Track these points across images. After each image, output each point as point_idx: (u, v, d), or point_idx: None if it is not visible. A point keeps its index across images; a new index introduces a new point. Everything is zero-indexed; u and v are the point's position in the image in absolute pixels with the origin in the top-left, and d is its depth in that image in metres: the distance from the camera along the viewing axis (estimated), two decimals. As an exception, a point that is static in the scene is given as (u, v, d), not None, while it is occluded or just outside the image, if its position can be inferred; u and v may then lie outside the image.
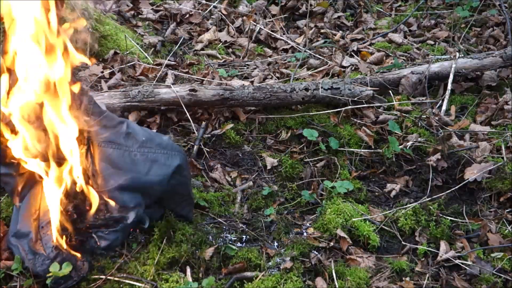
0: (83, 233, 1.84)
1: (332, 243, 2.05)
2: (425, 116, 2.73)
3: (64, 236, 1.78)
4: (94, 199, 1.81)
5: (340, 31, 3.84)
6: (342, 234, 2.06)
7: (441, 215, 2.22)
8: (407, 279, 1.93)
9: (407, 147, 2.53)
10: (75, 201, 1.81)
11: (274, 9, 3.93)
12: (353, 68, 3.26)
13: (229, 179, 2.41)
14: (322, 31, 3.80)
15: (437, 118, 2.71)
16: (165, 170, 1.88)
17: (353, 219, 2.12)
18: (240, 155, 2.53)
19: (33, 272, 1.74)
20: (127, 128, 1.88)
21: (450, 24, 3.77)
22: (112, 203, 1.83)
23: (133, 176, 1.84)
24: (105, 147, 1.82)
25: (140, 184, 1.85)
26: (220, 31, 3.64)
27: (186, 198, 2.02)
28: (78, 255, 1.79)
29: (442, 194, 2.32)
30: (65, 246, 1.77)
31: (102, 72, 2.89)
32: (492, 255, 2.03)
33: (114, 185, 1.82)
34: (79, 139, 1.73)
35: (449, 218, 2.22)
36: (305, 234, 2.11)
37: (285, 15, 3.94)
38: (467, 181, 2.34)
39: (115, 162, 1.82)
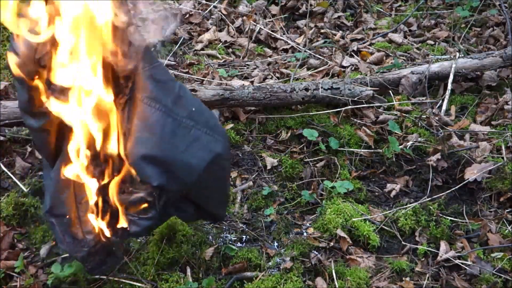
0: (114, 214, 1.63)
1: (332, 243, 2.05)
2: (425, 116, 2.73)
3: (99, 213, 1.61)
4: (122, 164, 1.56)
5: (340, 31, 3.84)
6: (342, 234, 2.06)
7: (441, 215, 2.22)
8: (407, 279, 1.93)
9: (407, 147, 2.53)
10: (103, 165, 1.57)
11: (274, 9, 3.93)
12: (353, 68, 3.26)
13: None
14: (322, 31, 3.80)
15: (437, 118, 2.71)
16: (204, 154, 1.56)
17: (353, 219, 2.12)
18: (240, 155, 2.53)
19: (70, 255, 1.67)
20: (179, 90, 1.56)
21: (450, 24, 3.77)
22: (133, 172, 1.54)
23: (166, 148, 1.51)
24: (148, 104, 1.49)
25: (170, 160, 1.52)
26: (220, 31, 3.64)
27: (221, 194, 1.75)
28: (112, 237, 1.64)
29: (442, 194, 2.32)
30: (106, 232, 1.62)
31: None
32: (492, 255, 2.03)
33: (141, 151, 1.49)
34: (121, 87, 1.48)
35: (449, 218, 2.22)
36: (305, 234, 2.11)
37: (285, 15, 3.94)
38: (467, 181, 2.34)
39: (153, 126, 1.49)
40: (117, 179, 1.60)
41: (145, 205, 1.60)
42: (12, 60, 1.43)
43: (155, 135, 1.49)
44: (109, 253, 1.71)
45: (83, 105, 1.48)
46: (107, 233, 1.65)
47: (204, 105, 1.70)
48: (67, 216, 1.64)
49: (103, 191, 1.61)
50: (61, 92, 1.47)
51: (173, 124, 1.51)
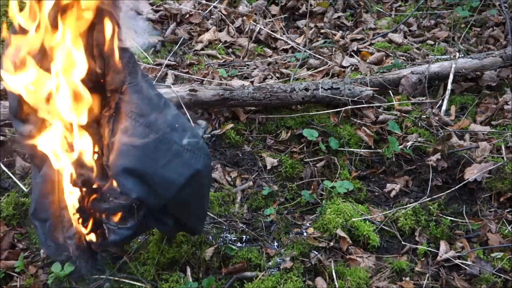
0: (94, 219, 1.68)
1: (332, 243, 2.05)
2: (425, 116, 2.73)
3: (80, 220, 1.65)
4: (104, 174, 1.61)
5: (340, 31, 3.84)
6: (342, 234, 2.06)
7: (441, 215, 2.22)
8: (407, 279, 1.93)
9: (407, 147, 2.53)
10: (85, 173, 1.61)
11: (274, 9, 3.93)
12: (353, 68, 3.26)
13: (229, 179, 2.41)
14: (322, 31, 3.80)
15: (437, 118, 2.71)
16: (184, 170, 1.58)
17: (353, 219, 2.12)
18: (240, 155, 2.53)
19: (52, 259, 1.72)
20: (164, 105, 1.59)
21: (450, 24, 3.77)
22: (114, 184, 1.59)
23: (148, 162, 1.54)
24: (133, 118, 1.52)
25: (151, 174, 1.55)
26: (220, 31, 3.64)
27: (199, 210, 1.77)
28: (92, 244, 1.70)
29: (442, 194, 2.32)
30: (85, 234, 1.67)
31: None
32: (492, 255, 2.03)
33: (123, 164, 1.53)
34: (108, 100, 1.51)
35: (449, 218, 2.22)
36: (305, 234, 2.11)
37: (285, 15, 3.93)
38: (467, 181, 2.34)
39: (135, 140, 1.53)
40: (99, 188, 1.63)
41: (124, 214, 1.63)
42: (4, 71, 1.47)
43: (137, 148, 1.53)
44: (90, 258, 1.75)
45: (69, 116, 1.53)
46: (88, 239, 1.70)
47: (188, 122, 1.74)
48: (50, 221, 1.68)
49: (85, 199, 1.65)
50: (46, 101, 1.51)
51: (156, 139, 1.54)
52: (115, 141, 1.53)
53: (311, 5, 3.98)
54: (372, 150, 2.57)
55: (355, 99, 2.74)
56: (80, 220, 1.68)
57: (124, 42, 1.49)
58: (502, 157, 2.46)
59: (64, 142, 1.58)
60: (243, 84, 2.82)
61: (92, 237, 1.71)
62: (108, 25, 1.44)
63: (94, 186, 1.64)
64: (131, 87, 1.52)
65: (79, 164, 1.60)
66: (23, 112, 1.54)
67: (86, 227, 1.69)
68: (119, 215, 1.65)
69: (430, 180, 2.41)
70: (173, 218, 1.72)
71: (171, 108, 1.63)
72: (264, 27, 3.65)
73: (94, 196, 1.65)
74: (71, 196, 1.67)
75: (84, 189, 1.64)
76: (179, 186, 1.58)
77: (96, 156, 1.60)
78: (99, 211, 1.67)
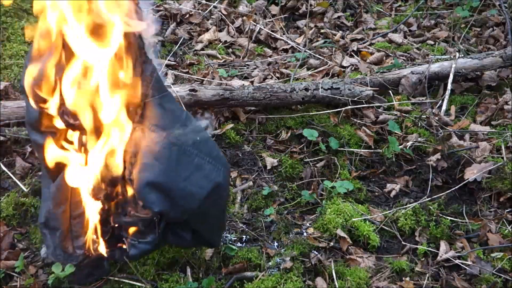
0: (114, 233, 1.70)
1: (332, 243, 2.05)
2: (425, 116, 2.73)
3: (96, 231, 1.66)
4: (128, 190, 1.61)
5: (340, 31, 3.84)
6: (342, 234, 2.06)
7: (441, 215, 2.22)
8: (407, 279, 1.93)
9: (407, 147, 2.53)
10: (108, 189, 1.61)
11: (274, 9, 3.93)
12: (353, 68, 3.26)
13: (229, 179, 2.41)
14: (322, 31, 3.80)
15: (437, 118, 2.71)
16: (206, 183, 1.60)
17: (353, 219, 2.12)
18: (240, 155, 2.53)
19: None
20: (186, 118, 1.62)
21: (450, 24, 3.77)
22: (137, 196, 1.60)
23: (171, 175, 1.55)
24: (155, 132, 1.53)
25: (173, 188, 1.57)
26: (220, 31, 3.64)
27: (218, 222, 1.80)
28: (105, 254, 1.72)
29: (442, 194, 2.32)
30: (95, 250, 1.70)
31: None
32: (492, 255, 2.03)
33: (146, 178, 1.53)
34: (130, 115, 1.50)
35: (449, 218, 2.22)
36: (305, 234, 2.11)
37: (285, 15, 3.93)
38: (467, 181, 2.34)
39: (159, 154, 1.53)
40: (120, 201, 1.64)
41: (144, 229, 1.65)
42: (28, 80, 1.46)
43: (161, 162, 1.54)
44: (96, 266, 1.76)
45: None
46: (104, 252, 1.70)
47: (208, 133, 1.76)
48: (60, 230, 1.68)
49: (106, 212, 1.65)
50: (71, 116, 1.51)
51: (178, 152, 1.56)
52: (138, 155, 1.54)
53: (311, 5, 3.98)
54: (372, 150, 2.57)
55: (355, 99, 2.74)
56: (100, 233, 1.69)
57: (147, 56, 1.50)
58: (502, 157, 2.46)
59: (85, 156, 1.58)
60: (243, 84, 2.82)
61: (110, 249, 1.72)
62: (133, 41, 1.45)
63: (116, 200, 1.66)
64: (154, 101, 1.53)
65: (101, 177, 1.60)
66: (42, 125, 1.55)
67: (106, 240, 1.71)
68: (139, 229, 1.67)
69: (430, 180, 2.41)
70: (191, 231, 1.73)
71: (192, 121, 1.66)
72: (264, 27, 3.65)
73: (115, 209, 1.67)
74: (92, 209, 1.67)
75: (105, 203, 1.65)
76: (200, 199, 1.59)
77: (119, 169, 1.59)
78: (120, 225, 1.69)
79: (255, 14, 3.79)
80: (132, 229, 1.69)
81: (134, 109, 1.52)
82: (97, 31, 1.39)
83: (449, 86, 2.96)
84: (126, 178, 1.59)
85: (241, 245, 2.03)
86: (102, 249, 1.71)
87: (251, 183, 2.37)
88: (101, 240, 1.71)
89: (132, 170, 1.56)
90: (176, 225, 1.71)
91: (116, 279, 1.82)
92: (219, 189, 1.64)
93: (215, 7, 3.80)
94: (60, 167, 1.62)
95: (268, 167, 2.46)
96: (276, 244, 2.06)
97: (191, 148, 1.58)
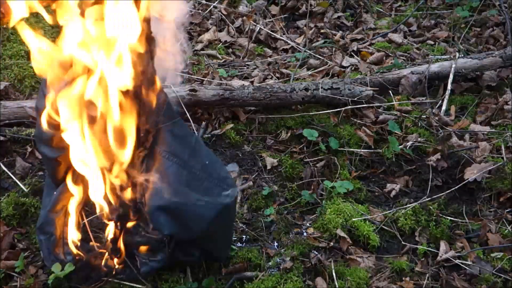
0: (127, 252, 1.77)
1: (332, 243, 2.05)
2: (425, 116, 2.73)
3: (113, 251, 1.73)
4: (137, 210, 1.68)
5: (340, 31, 3.84)
6: (342, 234, 2.06)
7: (441, 215, 2.22)
8: (407, 279, 1.93)
9: (407, 147, 2.53)
10: (120, 209, 1.66)
11: (274, 9, 3.93)
12: (353, 68, 3.26)
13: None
14: (322, 31, 3.80)
15: (437, 118, 2.72)
16: (213, 206, 1.64)
17: (353, 219, 2.12)
18: (240, 155, 2.53)
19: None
20: (195, 143, 1.67)
21: (450, 24, 3.77)
22: (148, 219, 1.67)
23: (181, 199, 1.60)
24: (166, 158, 1.59)
25: (183, 211, 1.61)
26: (220, 31, 3.64)
27: (225, 241, 1.87)
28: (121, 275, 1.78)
29: (442, 194, 2.32)
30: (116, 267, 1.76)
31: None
32: (492, 255, 2.03)
33: (156, 202, 1.59)
34: (142, 140, 1.56)
35: (449, 218, 2.22)
36: (305, 234, 2.11)
37: (285, 15, 3.94)
38: (467, 181, 2.34)
39: (170, 178, 1.59)
40: (132, 222, 1.71)
41: (154, 248, 1.74)
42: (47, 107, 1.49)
43: (171, 186, 1.59)
44: (93, 269, 1.78)
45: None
46: (117, 268, 1.77)
47: (215, 156, 1.83)
48: (54, 236, 1.73)
49: (118, 232, 1.71)
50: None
51: (188, 176, 1.61)
52: (149, 180, 1.59)
53: (311, 5, 3.98)
54: (372, 150, 2.57)
55: (355, 99, 2.74)
56: (112, 251, 1.75)
57: (159, 83, 1.55)
58: (502, 157, 2.46)
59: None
60: (243, 84, 2.82)
61: (122, 267, 1.79)
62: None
63: (129, 222, 1.71)
64: (165, 128, 1.58)
65: (114, 199, 1.65)
66: (54, 142, 1.58)
67: (118, 257, 1.76)
68: (150, 247, 1.75)
69: (430, 180, 2.41)
70: (199, 249, 1.80)
71: (202, 145, 1.72)
72: (264, 27, 3.66)
73: (127, 229, 1.72)
74: (108, 229, 1.73)
75: (118, 223, 1.69)
76: (209, 221, 1.64)
77: (131, 193, 1.64)
78: (132, 244, 1.75)
79: (255, 14, 3.80)
80: (143, 248, 1.76)
81: (145, 135, 1.57)
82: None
83: (449, 86, 2.96)
84: (138, 201, 1.65)
85: (241, 245, 2.03)
86: (116, 266, 1.78)
87: (251, 183, 2.37)
88: (114, 258, 1.77)
89: (143, 193, 1.62)
90: (186, 243, 1.78)
91: (116, 280, 1.82)
92: (227, 210, 1.68)
93: (215, 7, 3.80)
94: (66, 176, 1.68)
95: (268, 167, 2.46)
96: (276, 244, 2.06)
97: (200, 172, 1.64)
